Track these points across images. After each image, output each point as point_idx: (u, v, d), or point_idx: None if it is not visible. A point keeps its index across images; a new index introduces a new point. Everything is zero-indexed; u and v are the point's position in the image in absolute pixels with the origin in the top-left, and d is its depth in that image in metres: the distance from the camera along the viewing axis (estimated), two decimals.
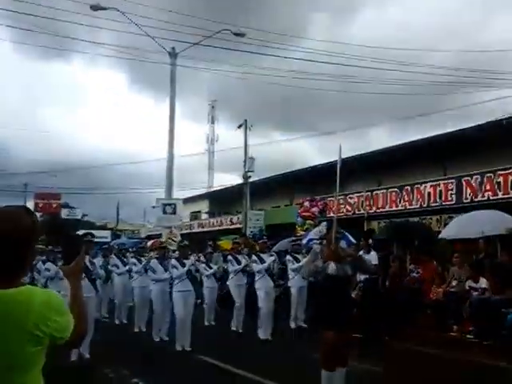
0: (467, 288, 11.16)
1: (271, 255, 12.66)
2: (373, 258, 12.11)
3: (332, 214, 20.96)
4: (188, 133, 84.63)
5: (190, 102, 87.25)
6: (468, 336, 10.51)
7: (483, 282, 10.97)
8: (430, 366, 8.93)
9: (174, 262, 10.98)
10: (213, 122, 43.09)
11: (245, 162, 24.01)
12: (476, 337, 10.24)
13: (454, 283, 11.63)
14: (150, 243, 19.52)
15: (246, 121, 25.35)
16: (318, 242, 8.67)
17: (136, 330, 12.78)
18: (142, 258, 13.78)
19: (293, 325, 12.49)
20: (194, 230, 30.74)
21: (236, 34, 19.73)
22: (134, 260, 14.20)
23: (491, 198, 15.95)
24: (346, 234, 14.15)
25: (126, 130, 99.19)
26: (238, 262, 13.02)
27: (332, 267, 6.33)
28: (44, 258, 14.09)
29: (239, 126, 25.36)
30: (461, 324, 10.95)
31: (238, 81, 42.01)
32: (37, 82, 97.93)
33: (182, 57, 20.71)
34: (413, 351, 10.34)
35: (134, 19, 19.13)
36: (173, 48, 20.29)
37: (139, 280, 13.25)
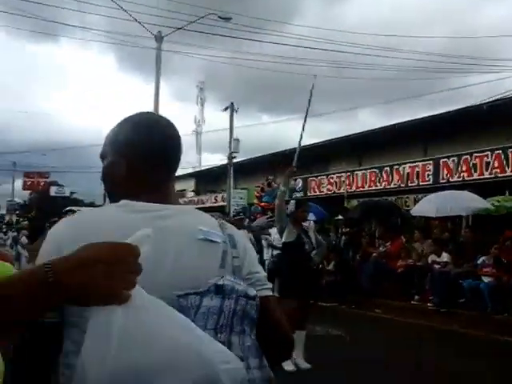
0: (430, 262, 11.73)
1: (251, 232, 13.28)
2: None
3: (313, 192, 21.55)
4: (176, 114, 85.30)
5: (178, 83, 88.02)
6: (428, 304, 11.14)
7: (445, 257, 11.53)
8: (394, 331, 9.61)
9: None
10: (202, 104, 43.36)
11: (230, 143, 24.47)
12: (435, 305, 10.86)
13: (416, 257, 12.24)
14: None
15: (232, 103, 25.76)
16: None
17: None
18: None
19: None
20: None
21: (222, 18, 20.00)
22: None
23: (466, 178, 16.41)
24: (316, 206, 14.74)
25: (114, 110, 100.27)
26: None
27: (304, 239, 6.87)
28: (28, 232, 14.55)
29: (225, 109, 25.80)
30: (422, 294, 11.56)
31: (225, 64, 42.32)
32: (27, 65, 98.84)
33: (169, 41, 21.09)
34: (379, 317, 11.08)
35: (121, 4, 19.25)
36: (159, 32, 20.60)
37: None
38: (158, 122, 1.55)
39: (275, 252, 12.51)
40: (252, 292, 1.37)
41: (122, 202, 1.44)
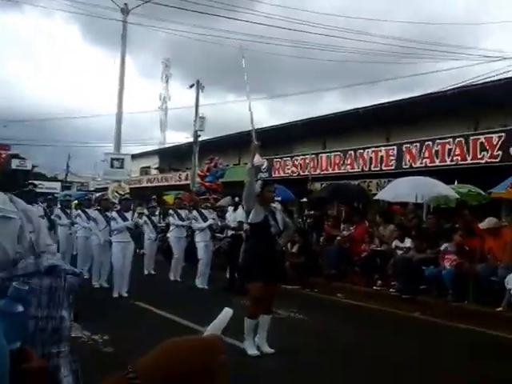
0: (393, 247, 11.88)
1: (214, 211, 13.25)
2: (239, 215, 12.46)
3: (277, 174, 21.57)
4: (141, 89, 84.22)
5: (143, 59, 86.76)
6: (391, 290, 11.30)
7: (408, 242, 11.69)
8: (355, 316, 9.72)
9: (114, 214, 11.27)
10: (166, 81, 42.82)
11: (195, 121, 24.23)
12: (397, 291, 11.02)
13: (379, 243, 12.38)
14: (97, 195, 19.70)
15: (198, 81, 25.51)
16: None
17: None
18: (88, 210, 14.01)
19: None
20: (143, 185, 30.83)
21: None
22: (78, 212, 14.43)
23: (428, 164, 16.65)
24: (283, 188, 14.77)
25: (79, 85, 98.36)
26: (179, 216, 13.48)
27: (271, 221, 6.74)
28: None
29: (191, 86, 25.53)
30: (385, 280, 11.73)
31: (192, 41, 41.86)
32: None
33: (136, 14, 20.75)
34: (341, 302, 11.19)
35: None
36: (125, 4, 20.27)
37: (82, 230, 13.59)
38: None
39: (230, 233, 12.54)
40: (77, 270, 1.46)
41: None
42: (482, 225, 10.34)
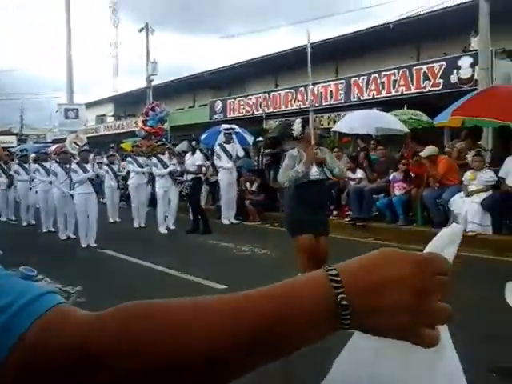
0: (346, 179, 12.44)
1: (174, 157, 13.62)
2: (198, 159, 12.91)
3: (232, 114, 21.78)
4: (91, 37, 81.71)
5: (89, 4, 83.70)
6: (345, 219, 11.96)
7: (359, 173, 12.31)
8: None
9: (74, 166, 11.42)
10: (116, 26, 41.82)
11: (147, 65, 24.07)
12: (351, 220, 11.69)
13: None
14: (53, 148, 19.67)
15: (147, 24, 25.19)
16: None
17: (44, 230, 13.45)
18: (45, 164, 14.08)
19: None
20: (100, 133, 30.57)
21: None
22: (36, 166, 14.49)
23: (376, 96, 17.22)
24: (239, 130, 15.13)
25: (28, 36, 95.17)
26: (138, 163, 13.78)
27: (314, 171, 5.88)
28: None
29: (140, 30, 25.23)
30: (339, 209, 12.39)
31: None
32: None
33: None
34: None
35: None
36: None
37: (42, 185, 13.75)
38: None
39: (190, 176, 12.88)
40: None
41: None
42: (423, 153, 10.93)
